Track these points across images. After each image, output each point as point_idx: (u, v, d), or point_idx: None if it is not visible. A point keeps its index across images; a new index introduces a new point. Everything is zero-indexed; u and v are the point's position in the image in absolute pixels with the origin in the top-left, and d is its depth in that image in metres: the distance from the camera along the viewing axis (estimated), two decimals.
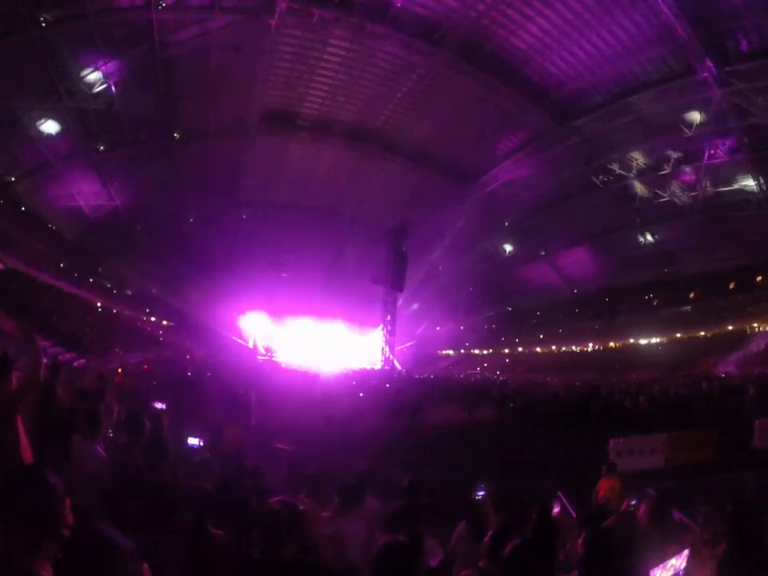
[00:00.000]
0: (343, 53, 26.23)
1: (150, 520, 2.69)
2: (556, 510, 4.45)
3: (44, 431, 4.31)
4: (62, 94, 23.58)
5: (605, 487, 7.23)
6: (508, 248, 37.90)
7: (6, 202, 26.76)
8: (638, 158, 28.76)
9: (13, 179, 27.11)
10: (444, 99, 28.57)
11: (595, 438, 12.24)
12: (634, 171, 29.14)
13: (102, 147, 28.14)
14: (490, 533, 3.19)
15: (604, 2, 21.46)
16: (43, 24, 20.60)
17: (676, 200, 28.98)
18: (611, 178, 30.15)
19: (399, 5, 23.29)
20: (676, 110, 24.52)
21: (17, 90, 22.61)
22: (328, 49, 25.97)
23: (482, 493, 3.95)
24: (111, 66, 23.35)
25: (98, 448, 4.04)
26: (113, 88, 24.25)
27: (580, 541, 4.19)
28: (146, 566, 2.05)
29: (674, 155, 27.08)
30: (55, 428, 4.35)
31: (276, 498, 2.55)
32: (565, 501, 5.59)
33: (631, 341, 33.12)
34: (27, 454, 3.51)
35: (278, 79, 27.57)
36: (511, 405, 20.33)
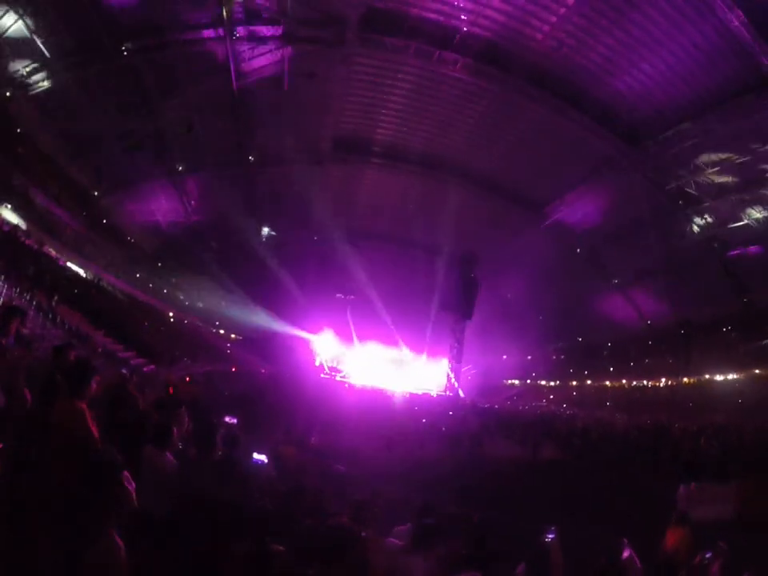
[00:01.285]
0: (414, 79, 26.62)
1: (212, 536, 2.77)
2: (626, 554, 4.23)
3: (116, 437, 4.55)
4: (145, 117, 25.33)
5: (674, 537, 6.79)
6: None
7: (88, 214, 28.86)
8: (715, 179, 27.07)
9: (96, 194, 29.23)
10: (513, 125, 28.37)
11: (663, 484, 11.54)
12: (712, 194, 27.50)
13: (180, 168, 29.92)
14: None
15: (671, 17, 20.49)
16: (125, 53, 22.23)
17: (754, 223, 27.15)
18: (687, 202, 28.65)
19: (465, 29, 23.44)
20: (753, 126, 22.95)
21: (103, 112, 24.56)
22: (399, 76, 26.45)
23: (551, 536, 3.81)
24: (189, 91, 24.88)
25: (171, 459, 4.18)
26: (193, 113, 25.90)
27: None
28: None
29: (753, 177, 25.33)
30: (127, 435, 4.58)
31: (335, 521, 2.57)
32: (630, 548, 5.29)
33: (707, 377, 31.09)
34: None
35: (351, 106, 28.33)
36: (577, 443, 19.51)
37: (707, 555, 4.49)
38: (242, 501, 3.18)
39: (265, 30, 22.97)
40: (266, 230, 36.93)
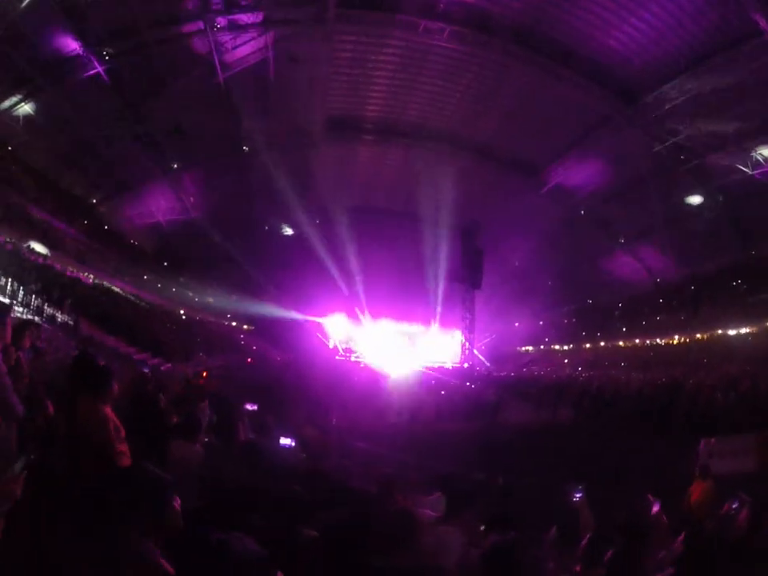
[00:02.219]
0: (400, 52, 26.23)
1: (243, 523, 2.82)
2: (655, 508, 4.28)
3: (141, 435, 4.64)
4: (130, 121, 25.17)
5: (697, 491, 6.90)
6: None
7: (89, 222, 28.96)
8: (715, 131, 26.47)
9: (94, 201, 29.26)
10: (505, 90, 27.94)
11: (682, 439, 11.61)
12: (712, 147, 27.01)
13: (175, 165, 29.83)
14: (587, 536, 3.13)
15: None
16: (107, 58, 22.00)
17: (756, 174, 26.74)
18: (687, 156, 28.25)
19: None
20: (747, 75, 22.35)
21: (91, 120, 24.44)
22: (384, 50, 26.07)
23: (579, 495, 3.85)
24: (175, 88, 24.65)
25: (198, 450, 4.27)
26: (181, 110, 25.72)
27: (678, 541, 4.04)
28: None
29: (751, 125, 24.82)
30: (151, 432, 4.68)
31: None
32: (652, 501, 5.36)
33: (719, 332, 30.96)
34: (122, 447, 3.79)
35: (338, 85, 28.04)
36: (594, 404, 19.62)
37: (734, 505, 4.53)
38: (270, 486, 3.23)
39: (245, 18, 22.61)
40: (287, 229, 36.98)
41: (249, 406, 6.39)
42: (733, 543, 4.00)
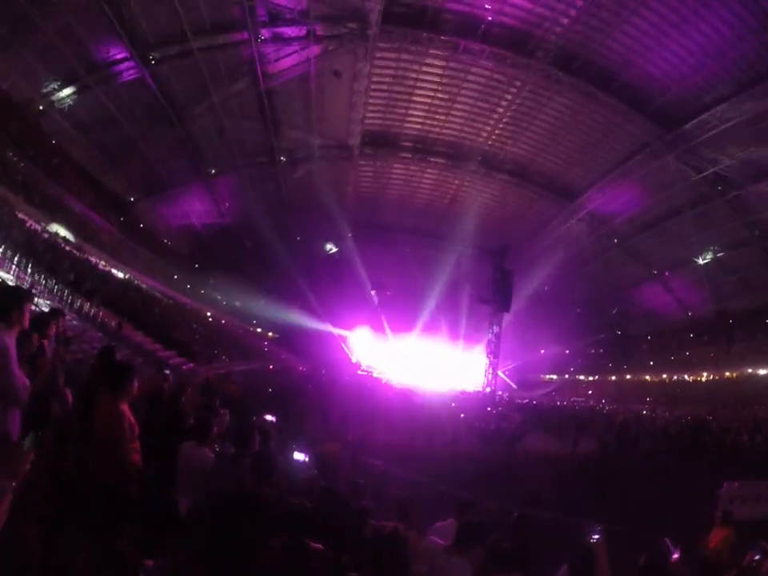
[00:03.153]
0: (440, 71, 26.45)
1: (249, 531, 2.81)
2: (675, 556, 4.12)
3: (157, 434, 4.67)
4: (175, 123, 25.87)
5: (717, 537, 6.59)
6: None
7: (125, 219, 29.71)
8: (756, 163, 25.69)
9: (132, 199, 30.03)
10: (543, 113, 27.89)
11: (706, 481, 11.17)
12: (751, 178, 26.25)
13: (212, 170, 30.48)
14: None
15: None
16: (153, 62, 22.71)
17: None
18: (726, 187, 27.56)
19: (490, 18, 23.09)
20: None
21: (134, 120, 25.20)
22: (424, 69, 26.30)
23: (597, 536, 3.72)
24: (218, 95, 25.27)
25: (210, 454, 4.27)
26: (222, 117, 26.35)
27: None
28: None
29: None
30: (167, 433, 4.71)
31: (386, 524, 2.57)
32: (672, 548, 5.16)
33: (749, 371, 29.97)
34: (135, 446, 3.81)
35: (377, 101, 28.30)
36: (617, 439, 19.05)
37: (756, 557, 4.33)
38: (278, 497, 3.22)
39: (288, 31, 23.13)
40: (329, 246, 37.43)
41: (267, 417, 6.39)
42: None
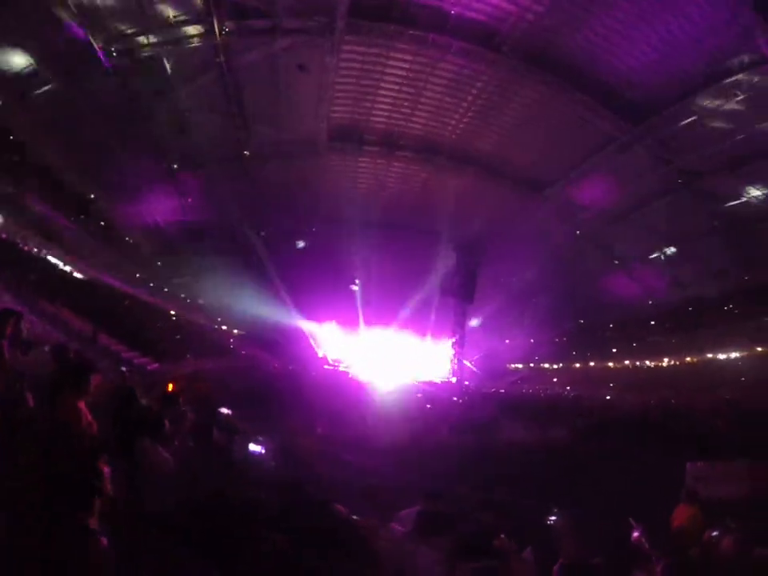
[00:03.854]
0: (406, 65, 26.36)
1: (208, 527, 2.74)
2: (635, 535, 4.20)
3: (117, 431, 4.55)
4: (138, 118, 25.19)
5: (683, 516, 6.75)
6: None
7: (86, 217, 28.90)
8: (720, 156, 26.48)
9: (93, 197, 29.21)
10: (510, 107, 28.10)
11: (671, 462, 11.49)
12: (716, 171, 27.08)
13: (176, 166, 29.81)
14: (560, 561, 3.03)
15: None
16: (114, 55, 22.04)
17: (759, 199, 26.88)
18: (691, 179, 28.33)
19: (454, 12, 23.13)
20: (754, 100, 22.42)
21: (96, 116, 24.47)
22: (391, 63, 26.16)
23: (557, 518, 3.77)
24: (181, 90, 24.71)
25: (163, 451, 4.19)
26: (186, 112, 25.77)
27: (659, 568, 3.93)
28: None
29: (759, 149, 24.86)
30: (127, 431, 4.59)
31: (337, 509, 2.55)
32: (639, 528, 5.26)
33: (711, 356, 31.04)
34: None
35: (345, 95, 28.04)
36: (583, 424, 19.50)
37: (715, 533, 4.44)
38: (236, 491, 3.14)
39: (255, 24, 22.72)
40: (299, 243, 37.04)
41: (223, 410, 6.32)
42: (715, 571, 3.91)
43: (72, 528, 2.21)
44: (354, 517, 2.81)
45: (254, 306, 33.55)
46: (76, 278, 23.78)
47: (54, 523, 2.31)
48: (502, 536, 3.44)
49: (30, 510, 2.52)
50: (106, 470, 2.45)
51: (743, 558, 3.63)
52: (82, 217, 28.64)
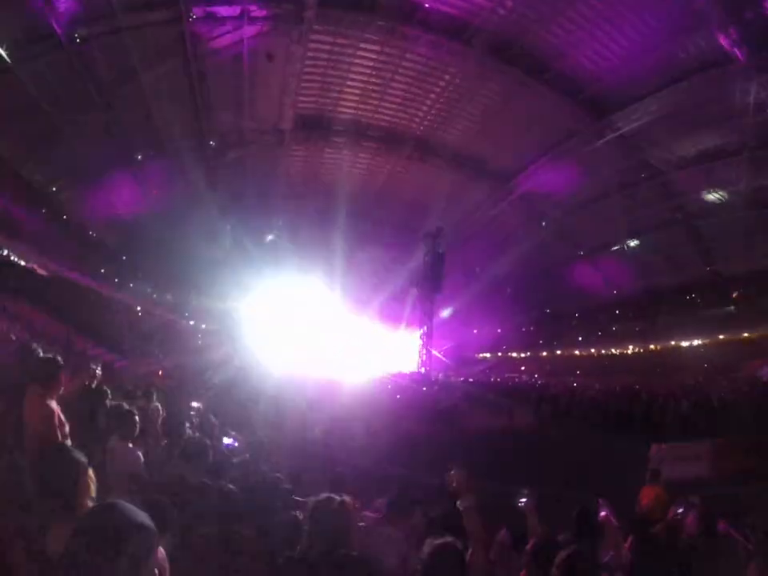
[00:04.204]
0: (374, 56, 26.30)
1: (179, 521, 2.72)
2: (603, 513, 4.35)
3: (87, 430, 4.46)
4: (101, 106, 24.40)
5: (648, 495, 7.04)
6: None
7: (48, 210, 27.90)
8: (679, 152, 27.47)
9: (54, 189, 28.19)
10: (477, 99, 28.38)
11: (636, 445, 11.88)
12: (675, 165, 27.98)
13: (140, 157, 29.00)
14: (532, 541, 3.13)
15: None
16: (78, 40, 21.26)
17: (718, 194, 27.89)
18: (651, 173, 29.15)
19: (427, 6, 23.17)
20: (717, 99, 23.28)
21: (57, 104, 23.59)
22: (359, 53, 26.05)
23: (525, 500, 3.88)
24: (146, 77, 24.05)
25: (134, 449, 4.13)
26: (150, 100, 25.07)
27: (626, 545, 4.08)
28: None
29: (717, 146, 25.84)
30: (96, 429, 4.50)
31: (323, 495, 2.53)
32: (606, 507, 5.44)
33: (673, 343, 32.11)
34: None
35: (311, 84, 27.82)
36: (550, 410, 19.95)
37: (679, 510, 4.65)
38: (207, 485, 3.12)
39: (222, 10, 22.22)
40: (252, 228, 36.43)
41: (194, 404, 6.26)
42: (680, 547, 4.09)
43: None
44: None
45: (221, 300, 33.06)
46: (39, 274, 22.96)
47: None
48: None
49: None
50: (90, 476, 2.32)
51: (707, 533, 3.80)
52: (44, 210, 27.62)
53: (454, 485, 3.35)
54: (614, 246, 34.07)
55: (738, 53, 20.72)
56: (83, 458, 2.32)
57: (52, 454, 2.30)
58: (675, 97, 23.91)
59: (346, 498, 2.56)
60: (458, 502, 3.27)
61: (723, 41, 20.53)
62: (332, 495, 2.52)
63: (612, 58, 24.09)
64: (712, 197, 28.41)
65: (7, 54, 20.55)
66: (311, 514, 2.41)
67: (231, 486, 3.12)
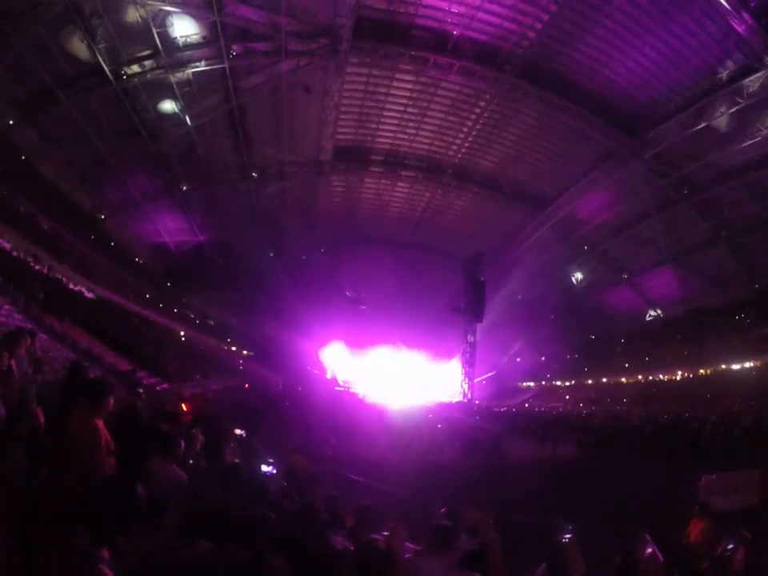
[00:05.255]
0: (410, 86, 26.80)
1: (216, 545, 2.75)
2: (648, 550, 4.17)
3: (126, 450, 4.56)
4: (146, 139, 25.61)
5: (696, 529, 6.67)
6: (580, 276, 36.31)
7: (96, 237, 29.20)
8: (719, 165, 26.35)
9: (102, 216, 29.56)
10: (512, 124, 28.46)
11: (684, 475, 11.32)
12: (716, 180, 27.02)
13: (185, 187, 30.20)
14: None
15: (660, 4, 20.28)
16: (125, 77, 22.55)
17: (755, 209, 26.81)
18: (691, 190, 28.32)
19: (457, 33, 23.54)
20: (753, 108, 22.43)
21: (105, 138, 24.91)
22: (395, 84, 26.64)
23: (568, 535, 3.76)
24: (191, 112, 25.17)
25: (177, 470, 4.18)
26: (194, 133, 26.20)
27: None
28: None
29: (759, 155, 24.79)
30: (136, 447, 4.59)
31: (371, 538, 2.54)
32: (652, 543, 5.21)
33: (722, 367, 30.65)
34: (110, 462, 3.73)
35: (348, 116, 28.51)
36: (594, 440, 19.25)
37: (729, 546, 4.42)
38: (246, 510, 3.16)
39: (260, 46, 23.20)
40: (293, 256, 37.29)
41: (237, 431, 6.34)
42: None
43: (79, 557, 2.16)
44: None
45: (261, 326, 33.59)
46: (85, 298, 23.89)
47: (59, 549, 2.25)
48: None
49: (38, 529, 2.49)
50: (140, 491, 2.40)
51: (756, 569, 3.60)
52: (92, 236, 28.94)
53: (472, 524, 3.30)
54: (657, 267, 33.03)
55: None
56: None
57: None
58: (711, 109, 23.21)
59: (390, 540, 2.56)
60: (479, 540, 3.22)
61: (753, 48, 20.01)
62: (376, 538, 2.53)
63: (644, 74, 23.74)
64: (753, 210, 27.23)
65: (60, 87, 22.02)
66: (359, 558, 2.43)
67: (269, 513, 3.15)
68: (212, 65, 23.20)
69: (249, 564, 2.46)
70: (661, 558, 4.68)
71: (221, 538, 2.69)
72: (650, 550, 4.20)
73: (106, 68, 21.80)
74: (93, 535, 2.12)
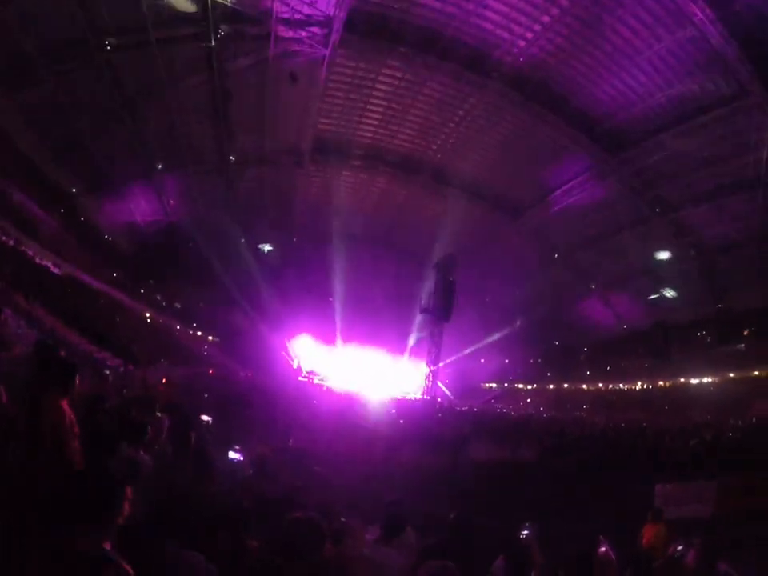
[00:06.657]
0: (396, 82, 26.80)
1: (192, 532, 2.75)
2: (602, 549, 4.33)
3: (92, 436, 4.49)
4: (125, 116, 24.96)
5: (650, 533, 7.00)
6: (548, 284, 36.94)
7: (65, 212, 28.36)
8: (693, 187, 27.31)
9: (74, 190, 28.68)
10: (495, 130, 28.75)
11: (641, 483, 11.68)
12: (686, 202, 27.91)
13: (160, 166, 29.52)
14: (532, 574, 3.13)
15: (651, 27, 20.89)
16: (108, 48, 21.77)
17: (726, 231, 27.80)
18: (664, 209, 29.15)
19: (449, 35, 23.64)
20: (731, 135, 23.38)
21: (83, 112, 24.17)
22: (381, 78, 26.61)
23: (526, 532, 3.88)
24: (173, 91, 24.60)
25: (145, 457, 4.14)
26: (175, 113, 25.63)
27: None
28: None
29: (731, 182, 25.75)
30: (103, 434, 4.53)
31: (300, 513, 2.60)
32: (606, 543, 5.38)
33: (682, 380, 31.67)
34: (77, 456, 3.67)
35: (331, 108, 28.37)
36: (555, 444, 19.63)
37: (679, 548, 4.63)
38: (216, 496, 3.16)
39: (248, 29, 22.81)
40: (266, 247, 36.83)
41: (204, 417, 6.31)
42: None
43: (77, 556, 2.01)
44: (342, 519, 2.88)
45: (229, 313, 33.17)
46: (52, 274, 23.19)
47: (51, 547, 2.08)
48: None
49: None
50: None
51: (707, 571, 3.77)
52: (62, 211, 28.09)
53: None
54: (626, 281, 33.87)
55: (751, 88, 20.89)
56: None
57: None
58: (689, 132, 24.01)
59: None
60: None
61: (737, 77, 20.72)
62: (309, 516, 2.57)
63: (629, 94, 24.43)
64: (725, 232, 28.22)
65: (45, 62, 21.24)
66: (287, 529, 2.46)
67: (241, 499, 3.16)
68: (199, 43, 22.72)
69: (225, 547, 2.49)
70: (613, 558, 4.84)
71: (193, 523, 2.69)
72: (603, 549, 4.35)
73: (90, 38, 21.04)
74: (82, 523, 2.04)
